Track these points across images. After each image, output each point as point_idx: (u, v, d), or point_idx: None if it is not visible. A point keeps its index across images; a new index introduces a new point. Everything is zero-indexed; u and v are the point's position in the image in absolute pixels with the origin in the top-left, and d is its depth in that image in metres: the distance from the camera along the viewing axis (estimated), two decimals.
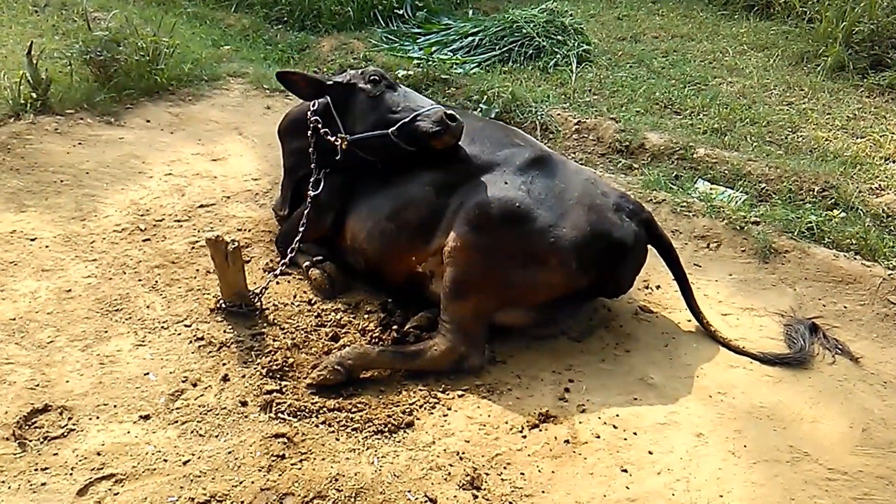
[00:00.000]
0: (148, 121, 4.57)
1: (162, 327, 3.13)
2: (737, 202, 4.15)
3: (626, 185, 4.32)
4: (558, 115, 5.23)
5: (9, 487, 2.38)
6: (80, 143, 4.37)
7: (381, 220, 3.16)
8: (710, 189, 4.32)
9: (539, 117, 5.17)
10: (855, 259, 3.63)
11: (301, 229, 3.37)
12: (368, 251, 3.25)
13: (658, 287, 3.50)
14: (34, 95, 4.43)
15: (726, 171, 4.50)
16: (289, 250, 3.38)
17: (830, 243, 3.75)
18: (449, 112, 3.06)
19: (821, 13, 6.64)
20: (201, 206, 4.03)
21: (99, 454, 2.51)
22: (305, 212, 3.40)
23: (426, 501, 2.40)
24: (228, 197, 4.15)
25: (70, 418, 2.66)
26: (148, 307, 3.24)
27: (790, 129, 5.16)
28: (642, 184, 4.32)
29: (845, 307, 3.38)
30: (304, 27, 6.54)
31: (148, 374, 2.87)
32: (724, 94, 5.71)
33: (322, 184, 3.38)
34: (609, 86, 5.80)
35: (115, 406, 2.72)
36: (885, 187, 4.29)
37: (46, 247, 3.57)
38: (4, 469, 2.43)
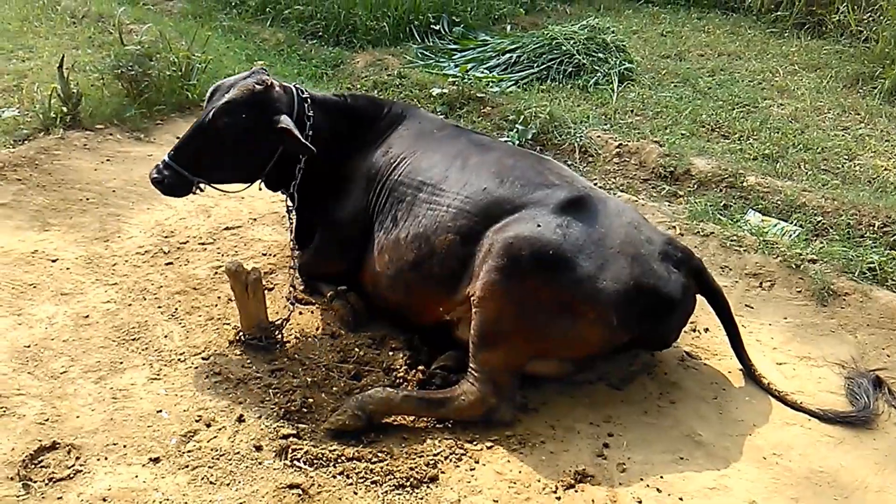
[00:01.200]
0: (177, 137, 4.46)
1: (179, 360, 2.99)
2: (791, 236, 3.89)
3: (670, 214, 4.09)
4: (598, 136, 5.01)
5: None
6: (108, 160, 4.31)
7: (404, 270, 2.96)
8: (762, 221, 4.07)
9: (578, 139, 4.97)
10: None
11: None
12: (391, 299, 3.07)
13: (706, 330, 3.25)
14: (64, 110, 4.39)
15: (779, 202, 4.24)
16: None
17: (894, 286, 3.47)
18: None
19: (877, 32, 6.35)
20: (227, 228, 3.91)
21: (105, 500, 2.37)
22: (317, 245, 3.28)
23: None
24: (255, 219, 4.02)
25: (77, 458, 2.53)
26: (166, 337, 3.11)
27: (846, 157, 4.88)
28: (688, 214, 4.09)
29: None
30: (338, 42, 6.42)
31: (161, 411, 2.73)
32: (774, 117, 5.44)
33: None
34: (652, 106, 5.57)
35: (124, 446, 2.58)
36: None
37: (67, 268, 3.49)
38: None
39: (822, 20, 7.25)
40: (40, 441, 2.56)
